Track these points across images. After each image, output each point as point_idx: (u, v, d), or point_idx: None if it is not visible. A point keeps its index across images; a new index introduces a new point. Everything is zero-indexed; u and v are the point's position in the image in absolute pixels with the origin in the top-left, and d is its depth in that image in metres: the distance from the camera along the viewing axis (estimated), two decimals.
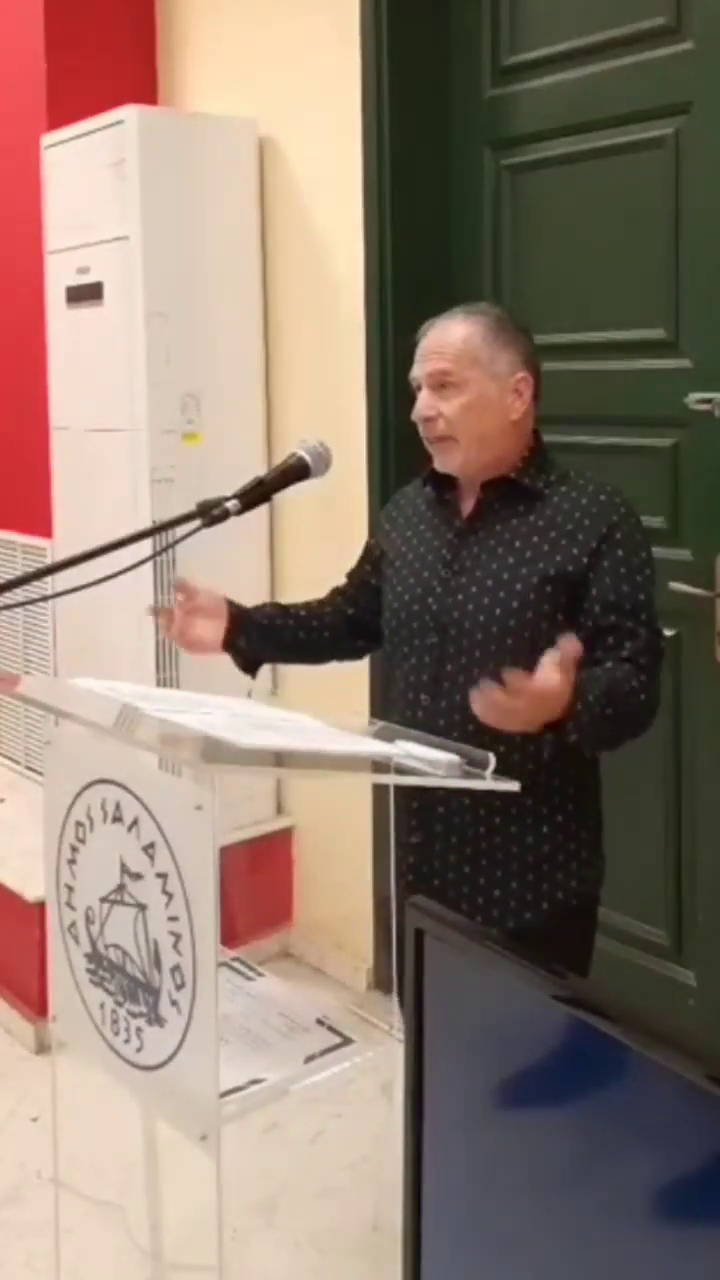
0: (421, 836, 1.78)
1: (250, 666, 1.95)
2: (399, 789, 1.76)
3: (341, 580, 2.04)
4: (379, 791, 2.46)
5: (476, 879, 1.76)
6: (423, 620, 1.78)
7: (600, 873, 1.84)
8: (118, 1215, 2.13)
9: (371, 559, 1.97)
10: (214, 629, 1.89)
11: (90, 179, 3.03)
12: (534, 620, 1.70)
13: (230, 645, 1.90)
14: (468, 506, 1.81)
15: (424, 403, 1.77)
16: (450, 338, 1.75)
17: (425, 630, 1.78)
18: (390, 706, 1.85)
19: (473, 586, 1.75)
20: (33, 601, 2.63)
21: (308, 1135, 2.49)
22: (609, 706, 1.59)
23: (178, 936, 1.45)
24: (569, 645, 1.50)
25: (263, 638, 1.93)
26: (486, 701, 1.48)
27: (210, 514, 1.69)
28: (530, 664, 1.67)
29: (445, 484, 1.85)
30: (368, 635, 1.97)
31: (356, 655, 2.07)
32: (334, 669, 2.08)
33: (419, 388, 1.79)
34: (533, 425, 1.81)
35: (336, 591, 2.03)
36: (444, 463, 1.79)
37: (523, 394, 1.77)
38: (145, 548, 1.72)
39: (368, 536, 2.03)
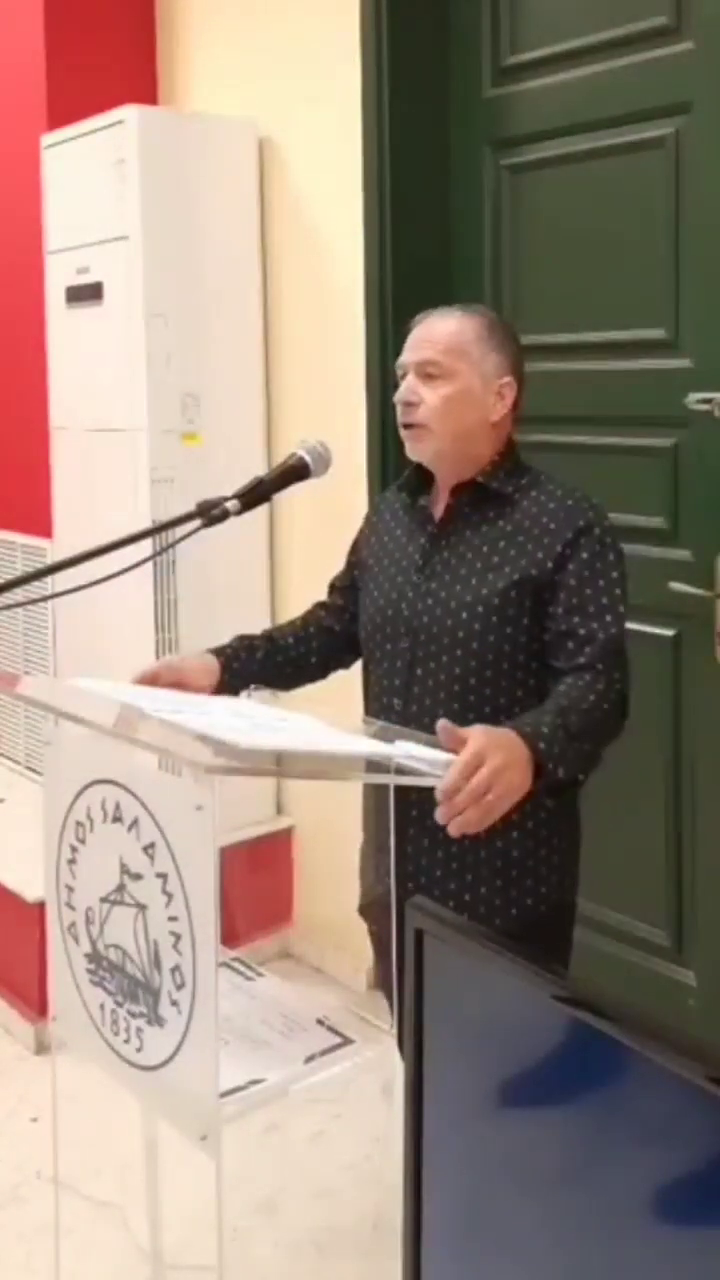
0: (395, 840, 1.78)
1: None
2: (376, 792, 1.76)
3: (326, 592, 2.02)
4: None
5: (447, 883, 1.76)
6: (395, 625, 1.79)
7: (574, 881, 1.82)
8: (118, 1215, 2.13)
9: (358, 566, 1.95)
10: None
11: (90, 179, 3.04)
12: (500, 625, 1.70)
13: None
14: (440, 511, 1.81)
15: (407, 387, 1.77)
16: (443, 330, 1.77)
17: (397, 635, 1.78)
18: (366, 710, 1.85)
19: (442, 591, 1.75)
20: (33, 601, 2.63)
21: (308, 1135, 2.48)
22: (573, 727, 1.56)
23: (178, 936, 1.45)
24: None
25: (254, 680, 1.90)
26: (456, 822, 1.41)
27: (210, 514, 1.69)
28: (498, 669, 1.67)
29: (420, 489, 1.85)
30: (356, 648, 1.95)
31: (344, 667, 2.03)
32: None
33: (404, 374, 1.79)
34: (509, 432, 1.81)
35: (321, 606, 2.01)
36: (415, 450, 1.79)
37: (505, 398, 1.77)
38: (145, 548, 1.71)
39: (354, 541, 2.01)
